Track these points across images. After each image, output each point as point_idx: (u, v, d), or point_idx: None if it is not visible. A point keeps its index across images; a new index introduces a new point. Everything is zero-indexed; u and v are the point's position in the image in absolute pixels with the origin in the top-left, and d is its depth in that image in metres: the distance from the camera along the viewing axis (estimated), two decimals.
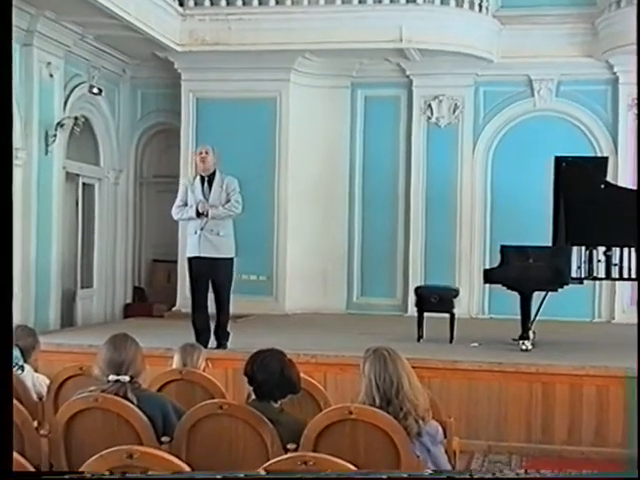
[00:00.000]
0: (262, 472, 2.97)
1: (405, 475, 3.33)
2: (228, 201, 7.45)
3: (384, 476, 3.01)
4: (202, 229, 7.41)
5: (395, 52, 10.92)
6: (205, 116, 11.36)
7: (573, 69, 11.01)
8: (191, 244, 7.51)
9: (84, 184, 11.21)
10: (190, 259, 7.55)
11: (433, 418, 3.85)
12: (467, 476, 3.61)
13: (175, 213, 7.65)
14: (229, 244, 7.54)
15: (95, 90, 10.83)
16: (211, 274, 7.46)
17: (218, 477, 3.00)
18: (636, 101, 10.36)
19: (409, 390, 3.72)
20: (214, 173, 7.50)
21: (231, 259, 7.57)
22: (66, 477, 3.08)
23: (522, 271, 7.82)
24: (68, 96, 10.35)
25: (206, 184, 7.48)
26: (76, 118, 10.24)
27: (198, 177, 7.57)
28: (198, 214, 7.39)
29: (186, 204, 7.50)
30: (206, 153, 7.46)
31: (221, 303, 7.53)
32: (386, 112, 11.56)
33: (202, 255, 7.40)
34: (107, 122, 11.60)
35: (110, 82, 11.53)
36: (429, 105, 11.38)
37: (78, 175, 11.03)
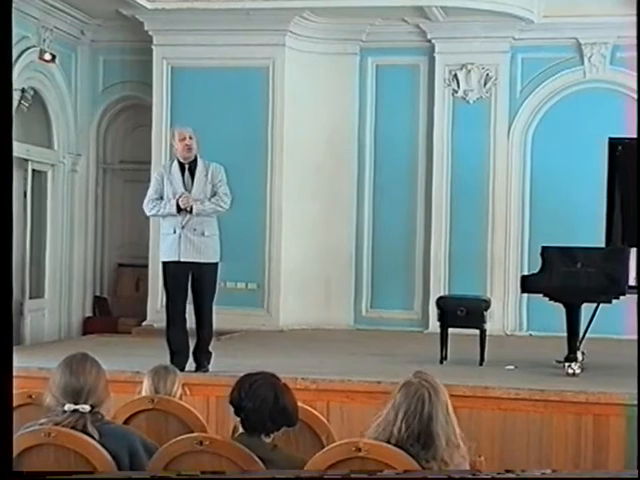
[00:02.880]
0: None
1: (405, 475, 3.45)
2: (214, 194, 7.47)
3: (384, 476, 3.17)
4: (183, 228, 7.41)
5: (414, 10, 10.94)
6: (182, 89, 11.38)
7: (632, 31, 10.94)
8: (168, 246, 7.49)
9: (34, 171, 11.24)
10: (166, 264, 7.55)
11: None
12: (469, 476, 3.65)
13: (149, 208, 7.63)
14: (214, 246, 7.56)
15: (47, 56, 10.84)
16: (192, 282, 7.48)
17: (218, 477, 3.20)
18: None
19: (444, 449, 3.66)
20: (195, 160, 7.53)
21: (216, 264, 7.60)
22: (72, 477, 3.26)
23: (568, 278, 7.81)
24: (14, 63, 10.37)
25: (187, 173, 7.49)
26: (23, 90, 10.27)
27: (175, 163, 7.57)
28: (179, 209, 7.41)
29: (161, 197, 7.50)
30: (190, 138, 7.47)
31: (203, 317, 7.54)
32: (402, 84, 11.57)
33: (182, 260, 7.41)
34: (62, 95, 11.61)
35: (65, 47, 11.55)
36: (455, 76, 11.39)
37: (26, 160, 11.04)
